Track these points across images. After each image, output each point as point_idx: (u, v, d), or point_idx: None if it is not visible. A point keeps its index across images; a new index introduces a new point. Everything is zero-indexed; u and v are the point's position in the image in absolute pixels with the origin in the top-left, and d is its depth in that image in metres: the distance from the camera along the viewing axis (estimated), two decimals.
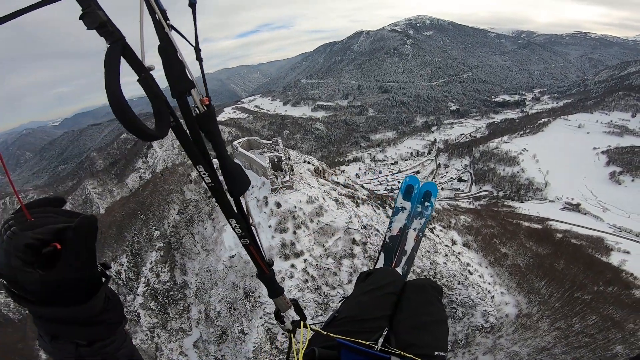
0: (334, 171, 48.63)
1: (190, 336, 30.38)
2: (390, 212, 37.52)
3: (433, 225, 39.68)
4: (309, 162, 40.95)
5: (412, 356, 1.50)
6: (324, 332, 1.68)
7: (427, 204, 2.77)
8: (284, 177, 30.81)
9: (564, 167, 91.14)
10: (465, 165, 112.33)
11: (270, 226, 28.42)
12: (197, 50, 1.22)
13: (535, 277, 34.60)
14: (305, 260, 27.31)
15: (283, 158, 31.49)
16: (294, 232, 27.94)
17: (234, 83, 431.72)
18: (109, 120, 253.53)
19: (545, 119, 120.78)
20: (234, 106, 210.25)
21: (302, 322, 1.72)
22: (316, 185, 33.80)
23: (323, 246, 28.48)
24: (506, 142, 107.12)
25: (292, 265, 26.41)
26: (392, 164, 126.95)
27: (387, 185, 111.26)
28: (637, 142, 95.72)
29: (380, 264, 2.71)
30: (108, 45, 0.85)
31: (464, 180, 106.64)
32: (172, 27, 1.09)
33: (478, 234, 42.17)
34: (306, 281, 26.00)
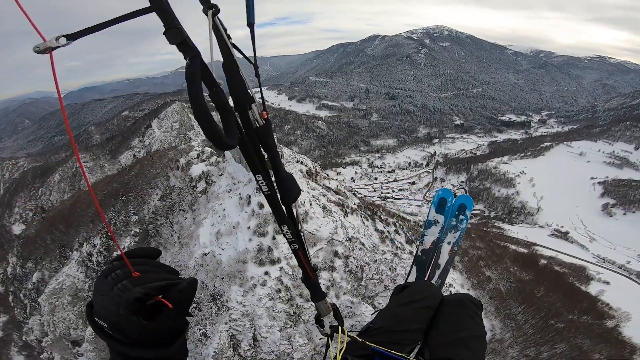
0: (327, 175, 46.99)
1: None
2: (380, 225, 36.14)
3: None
4: (302, 163, 39.40)
5: None
6: (359, 340, 1.67)
7: (461, 217, 2.69)
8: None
9: (558, 194, 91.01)
10: (462, 181, 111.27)
11: (249, 227, 26.63)
12: (256, 67, 1.41)
13: (514, 303, 34.32)
14: (281, 269, 25.68)
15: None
16: (274, 238, 26.21)
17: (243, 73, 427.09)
18: (113, 97, 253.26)
19: (548, 144, 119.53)
20: None
21: (339, 328, 1.77)
22: (305, 189, 32.03)
23: None
24: (505, 163, 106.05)
25: (266, 273, 24.70)
26: (388, 171, 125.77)
27: (381, 193, 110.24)
28: (636, 176, 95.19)
29: (412, 277, 2.64)
30: (187, 61, 0.93)
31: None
32: (234, 46, 1.23)
33: (465, 254, 41.60)
34: (279, 291, 24.36)
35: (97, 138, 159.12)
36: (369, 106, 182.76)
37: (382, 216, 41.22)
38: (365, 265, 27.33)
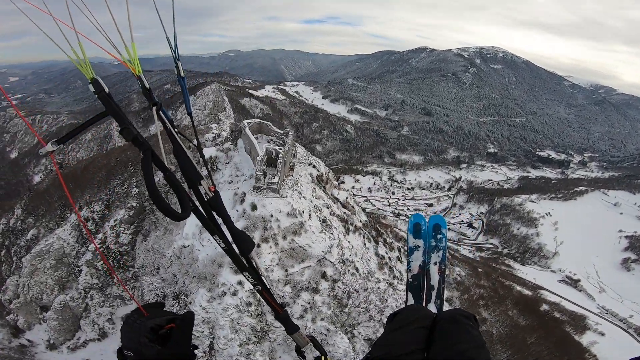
0: (338, 184, 43.95)
1: (128, 306, 28.95)
2: (382, 249, 34.10)
3: None
4: (314, 166, 37.12)
5: None
6: None
7: (439, 236, 2.79)
8: (273, 177, 26.80)
9: (580, 241, 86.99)
10: (481, 212, 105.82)
11: None
12: (200, 148, 1.80)
13: (501, 348, 32.57)
14: None
15: (281, 154, 27.51)
16: (258, 245, 24.58)
17: (285, 65, 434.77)
18: (161, 70, 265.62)
19: (584, 188, 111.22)
20: (275, 86, 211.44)
21: (323, 358, 1.91)
22: (308, 196, 29.68)
23: (286, 270, 24.54)
24: (532, 202, 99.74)
25: (240, 283, 22.75)
26: (408, 188, 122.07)
27: (396, 209, 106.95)
28: None
29: (411, 303, 2.68)
30: (141, 154, 1.20)
31: (474, 227, 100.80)
32: (180, 133, 1.51)
33: (466, 291, 39.82)
34: (249, 304, 22.65)
35: (136, 106, 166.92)
36: (402, 118, 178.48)
37: (387, 239, 38.71)
38: (353, 292, 25.32)
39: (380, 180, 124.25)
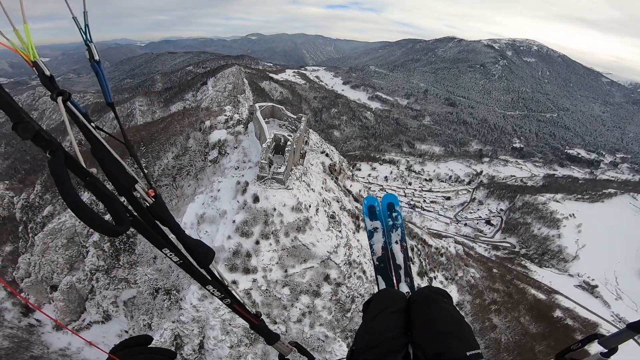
0: (352, 175, 40.29)
1: (131, 289, 28.61)
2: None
3: (435, 274, 35.01)
4: (327, 154, 35.28)
5: None
6: None
7: (394, 214, 2.82)
8: (279, 166, 24.40)
9: (603, 246, 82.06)
10: (501, 209, 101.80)
11: (234, 221, 22.95)
12: (130, 147, 1.45)
13: (507, 357, 31.26)
14: (254, 281, 21.74)
15: (290, 141, 25.09)
16: (257, 242, 22.62)
17: (306, 49, 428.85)
18: (184, 52, 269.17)
19: (613, 191, 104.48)
20: (296, 70, 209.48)
21: None
22: (317, 188, 27.28)
23: (286, 271, 22.60)
24: (557, 201, 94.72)
25: (234, 282, 21.21)
26: (425, 180, 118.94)
27: (411, 200, 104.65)
28: None
29: (383, 286, 2.66)
30: (48, 155, 0.88)
31: (492, 225, 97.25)
32: (99, 128, 1.21)
33: (479, 296, 37.97)
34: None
35: (159, 86, 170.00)
36: (424, 108, 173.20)
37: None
38: (358, 297, 23.51)
39: (398, 169, 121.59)
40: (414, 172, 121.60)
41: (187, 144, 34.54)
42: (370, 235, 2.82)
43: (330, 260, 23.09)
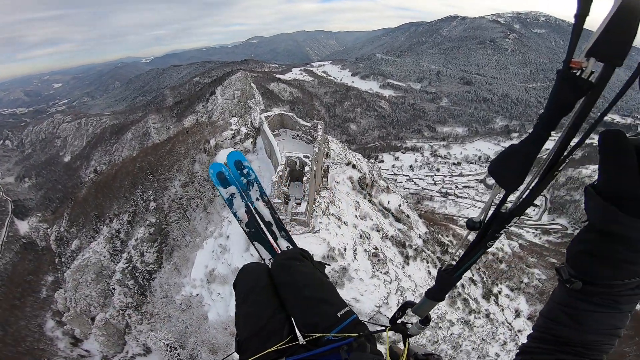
0: (387, 187, 32.93)
1: (167, 324, 25.75)
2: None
3: (500, 287, 29.67)
4: (354, 166, 28.73)
5: (328, 335, 1.45)
6: None
7: (245, 170, 2.67)
8: (298, 203, 18.36)
9: None
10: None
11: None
12: None
13: None
14: None
15: (308, 165, 19.18)
16: None
17: (309, 46, 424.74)
18: (189, 64, 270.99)
19: None
20: (302, 68, 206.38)
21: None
22: (351, 220, 21.21)
23: None
24: (586, 168, 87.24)
25: None
26: (454, 164, 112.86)
27: (442, 187, 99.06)
28: None
29: (264, 253, 2.48)
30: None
31: (536, 206, 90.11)
32: None
33: (542, 293, 32.38)
34: None
35: (170, 101, 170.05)
36: (439, 89, 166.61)
37: (453, 253, 30.30)
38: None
39: (422, 156, 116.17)
40: (440, 156, 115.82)
41: (192, 169, 30.69)
42: (230, 203, 2.57)
43: (381, 314, 17.80)
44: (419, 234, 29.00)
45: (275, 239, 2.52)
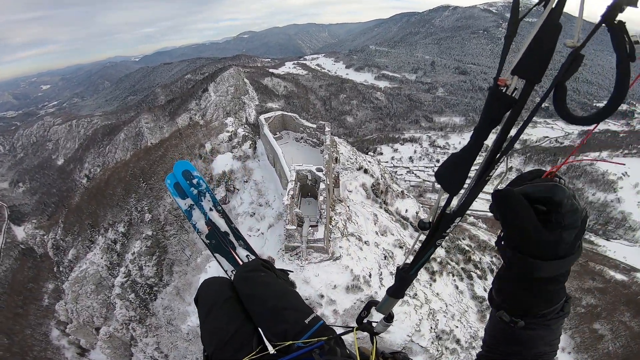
0: (397, 189, 30.29)
1: (172, 334, 25.00)
2: (480, 284, 23.48)
3: None
4: (365, 170, 26.38)
5: (297, 342, 1.47)
6: None
7: (194, 180, 2.57)
8: (314, 226, 15.88)
9: None
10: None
11: None
12: None
13: None
14: None
15: (323, 177, 16.67)
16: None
17: (301, 39, 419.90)
18: (180, 61, 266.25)
19: None
20: (295, 61, 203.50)
21: None
22: (372, 238, 18.95)
23: None
24: (604, 161, 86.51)
25: None
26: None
27: None
28: None
29: (226, 264, 2.45)
30: None
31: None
32: None
33: (574, 304, 30.83)
34: None
35: (162, 99, 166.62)
36: (435, 80, 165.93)
37: (475, 260, 25.60)
38: None
39: (421, 147, 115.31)
40: (439, 147, 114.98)
41: None
42: (189, 215, 2.52)
43: (414, 343, 16.17)
44: (439, 242, 27.32)
45: (234, 249, 2.48)
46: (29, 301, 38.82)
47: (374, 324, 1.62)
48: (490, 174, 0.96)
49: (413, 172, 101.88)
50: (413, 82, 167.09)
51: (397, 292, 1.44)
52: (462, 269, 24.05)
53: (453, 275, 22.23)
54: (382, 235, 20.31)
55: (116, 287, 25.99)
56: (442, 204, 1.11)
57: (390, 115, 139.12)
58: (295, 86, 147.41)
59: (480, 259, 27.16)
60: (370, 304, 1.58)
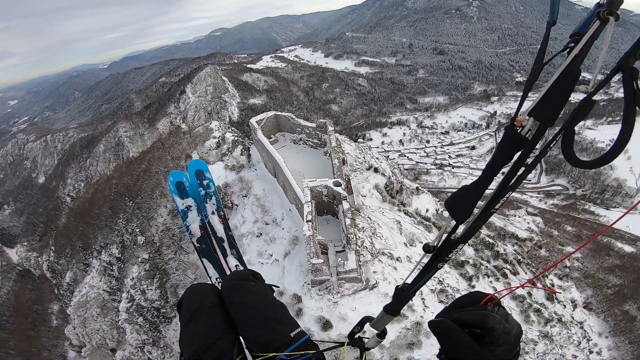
0: (411, 185, 28.01)
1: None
2: (517, 280, 22.18)
3: (550, 279, 27.16)
4: (376, 169, 23.47)
5: (281, 354, 1.44)
6: None
7: (205, 181, 2.54)
8: (341, 251, 13.56)
9: None
10: (535, 148, 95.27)
11: None
12: None
13: None
14: None
15: (343, 193, 14.07)
16: None
17: (275, 32, 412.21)
18: (152, 64, 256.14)
19: None
20: (272, 55, 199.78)
21: None
22: (402, 251, 16.50)
23: None
24: (590, 129, 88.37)
25: None
26: (442, 133, 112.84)
27: (436, 159, 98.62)
28: None
29: (211, 271, 2.37)
30: None
31: (531, 170, 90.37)
32: None
33: (596, 284, 29.69)
34: None
35: (139, 105, 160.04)
36: (414, 62, 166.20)
37: (503, 254, 23.91)
38: None
39: (409, 129, 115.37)
40: (427, 127, 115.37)
41: None
42: (184, 215, 2.50)
43: None
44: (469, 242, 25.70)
45: (225, 256, 2.40)
46: (38, 323, 38.55)
47: (365, 340, 1.62)
48: (496, 207, 1.03)
49: (405, 155, 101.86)
50: (394, 66, 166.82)
51: (393, 309, 1.47)
52: (495, 267, 22.60)
53: (488, 277, 20.84)
54: (411, 245, 17.72)
55: (122, 313, 24.33)
56: (449, 229, 1.19)
57: (375, 100, 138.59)
58: (276, 79, 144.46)
59: (504, 250, 26.38)
60: (365, 319, 1.59)
